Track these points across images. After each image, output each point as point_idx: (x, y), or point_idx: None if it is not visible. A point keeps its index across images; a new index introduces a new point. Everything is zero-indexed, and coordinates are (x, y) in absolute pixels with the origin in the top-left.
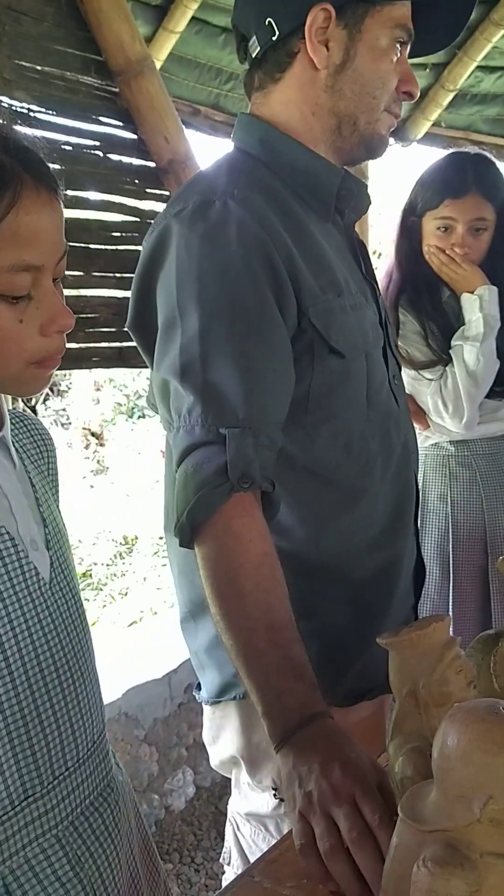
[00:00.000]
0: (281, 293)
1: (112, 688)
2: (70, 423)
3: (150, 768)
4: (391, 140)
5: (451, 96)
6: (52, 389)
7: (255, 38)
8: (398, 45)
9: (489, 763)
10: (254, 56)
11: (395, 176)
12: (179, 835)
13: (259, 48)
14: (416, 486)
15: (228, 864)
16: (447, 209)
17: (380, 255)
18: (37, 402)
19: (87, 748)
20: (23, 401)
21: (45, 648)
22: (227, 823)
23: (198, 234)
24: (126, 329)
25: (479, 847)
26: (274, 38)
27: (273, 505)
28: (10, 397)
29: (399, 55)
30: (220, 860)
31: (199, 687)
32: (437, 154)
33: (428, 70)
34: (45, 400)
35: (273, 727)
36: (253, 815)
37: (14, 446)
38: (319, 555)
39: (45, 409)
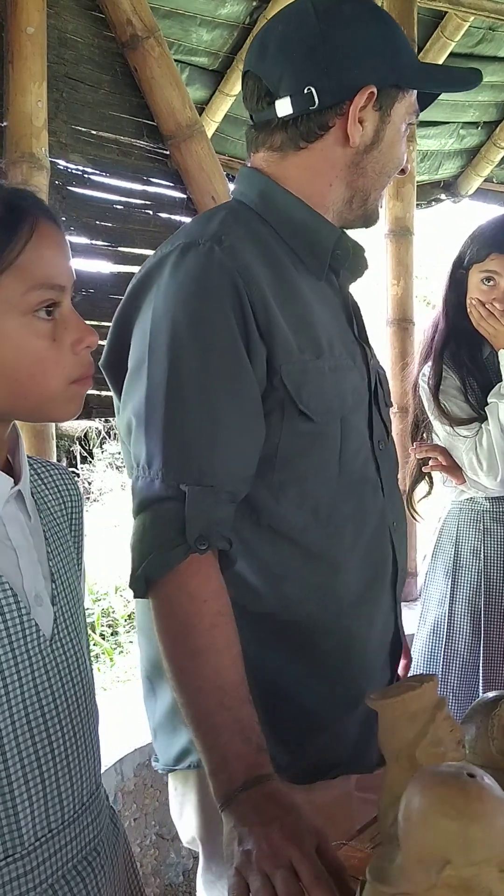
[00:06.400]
0: (249, 347)
1: (144, 732)
2: (125, 466)
3: None
4: (442, 195)
5: (502, 153)
6: (108, 433)
7: (288, 100)
8: (407, 129)
9: (448, 828)
10: (280, 117)
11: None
12: None
13: (292, 112)
14: (396, 559)
15: None
16: (493, 263)
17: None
18: (94, 446)
19: (75, 810)
20: (80, 443)
21: (36, 707)
22: None
23: (177, 280)
24: (99, 366)
25: None
26: (312, 108)
27: (231, 560)
28: (26, 446)
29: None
30: None
31: (156, 757)
32: (488, 209)
33: (480, 128)
34: (101, 443)
35: (219, 787)
36: None
37: (33, 497)
38: (282, 617)
39: (102, 453)
